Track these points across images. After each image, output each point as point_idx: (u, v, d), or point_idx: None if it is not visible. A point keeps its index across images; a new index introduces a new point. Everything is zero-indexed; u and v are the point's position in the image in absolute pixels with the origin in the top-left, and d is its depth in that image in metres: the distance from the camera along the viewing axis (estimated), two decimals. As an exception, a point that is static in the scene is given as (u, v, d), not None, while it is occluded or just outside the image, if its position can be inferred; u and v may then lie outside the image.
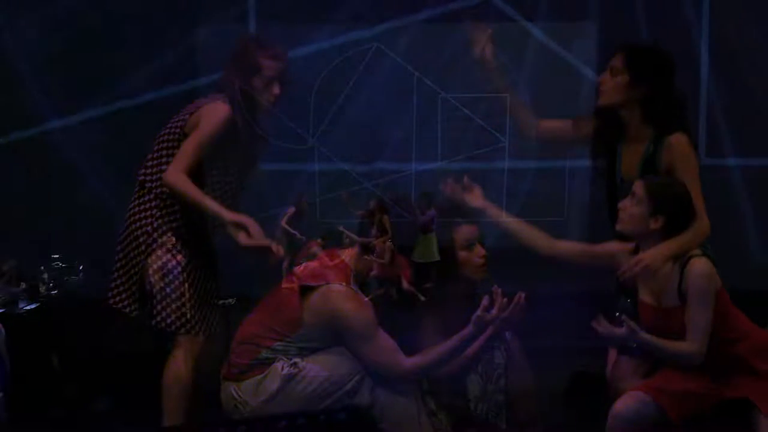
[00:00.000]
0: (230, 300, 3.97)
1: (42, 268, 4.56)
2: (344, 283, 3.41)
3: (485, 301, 3.25)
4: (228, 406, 3.47)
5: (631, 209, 3.24)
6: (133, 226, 3.68)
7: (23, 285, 4.48)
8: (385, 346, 3.36)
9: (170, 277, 3.63)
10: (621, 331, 3.06)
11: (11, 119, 5.50)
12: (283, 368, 3.37)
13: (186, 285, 3.65)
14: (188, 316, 3.62)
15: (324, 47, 5.04)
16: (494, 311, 3.24)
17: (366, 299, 3.42)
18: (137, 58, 5.32)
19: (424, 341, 3.46)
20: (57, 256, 4.66)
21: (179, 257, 3.65)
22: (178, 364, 3.67)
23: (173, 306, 3.61)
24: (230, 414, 3.45)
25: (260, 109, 3.64)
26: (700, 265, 3.18)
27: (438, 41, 4.97)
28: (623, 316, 3.06)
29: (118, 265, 3.71)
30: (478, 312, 3.25)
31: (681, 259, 3.21)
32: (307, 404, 3.33)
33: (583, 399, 4.03)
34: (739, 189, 5.31)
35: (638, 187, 3.24)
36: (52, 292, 4.51)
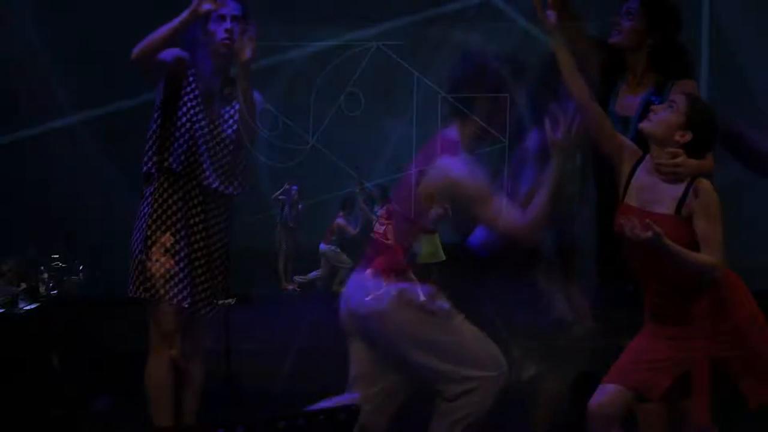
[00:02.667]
0: (230, 300, 3.98)
1: (42, 268, 4.56)
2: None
3: (547, 125, 3.28)
4: (356, 294, 3.50)
5: (664, 114, 3.21)
6: (138, 222, 3.74)
7: (23, 285, 4.49)
8: (500, 206, 3.36)
9: (165, 274, 3.67)
10: (647, 234, 3.02)
11: (11, 119, 5.50)
12: (426, 296, 3.38)
13: (180, 286, 3.69)
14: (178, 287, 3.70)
15: (324, 47, 5.03)
16: (562, 128, 3.28)
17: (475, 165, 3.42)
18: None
19: None
20: (57, 256, 4.66)
21: (176, 258, 3.68)
22: (153, 368, 3.74)
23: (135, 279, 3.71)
24: (356, 304, 3.48)
25: (217, 51, 3.70)
26: (709, 184, 3.19)
27: (438, 41, 4.96)
28: (651, 223, 3.02)
29: (133, 257, 3.76)
30: (550, 139, 3.29)
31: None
32: (411, 341, 3.37)
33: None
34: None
35: (680, 98, 3.22)
36: (52, 292, 4.51)
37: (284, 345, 6.13)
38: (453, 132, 3.51)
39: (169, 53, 3.68)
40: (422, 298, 3.37)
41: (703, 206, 3.16)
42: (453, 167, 3.40)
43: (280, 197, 9.23)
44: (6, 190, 5.37)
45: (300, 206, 9.04)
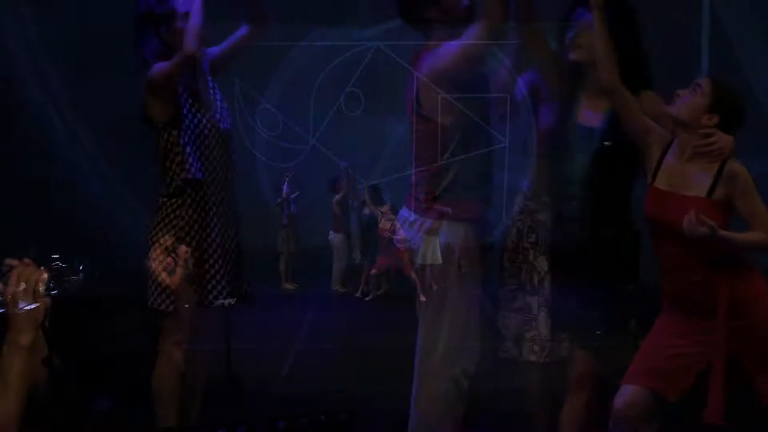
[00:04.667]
0: (230, 300, 3.98)
1: (42, 268, 4.55)
2: None
3: None
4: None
5: (689, 98, 3.21)
6: (164, 233, 3.76)
7: (23, 285, 4.47)
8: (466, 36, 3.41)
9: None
10: (703, 229, 3.04)
11: (11, 118, 5.50)
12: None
13: (219, 287, 3.73)
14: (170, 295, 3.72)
15: (324, 47, 5.03)
16: None
17: None
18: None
19: None
20: (57, 256, 4.65)
21: (174, 256, 3.70)
22: (164, 371, 3.73)
23: (163, 291, 3.71)
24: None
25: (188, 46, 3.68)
26: (739, 164, 3.20)
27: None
28: (705, 218, 3.04)
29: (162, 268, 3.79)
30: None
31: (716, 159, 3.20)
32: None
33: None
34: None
35: (705, 82, 3.23)
36: (52, 292, 4.50)
37: (284, 345, 6.13)
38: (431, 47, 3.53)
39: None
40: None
41: (741, 187, 3.17)
42: (434, 52, 3.46)
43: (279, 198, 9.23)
44: (6, 190, 5.36)
45: (293, 196, 9.03)
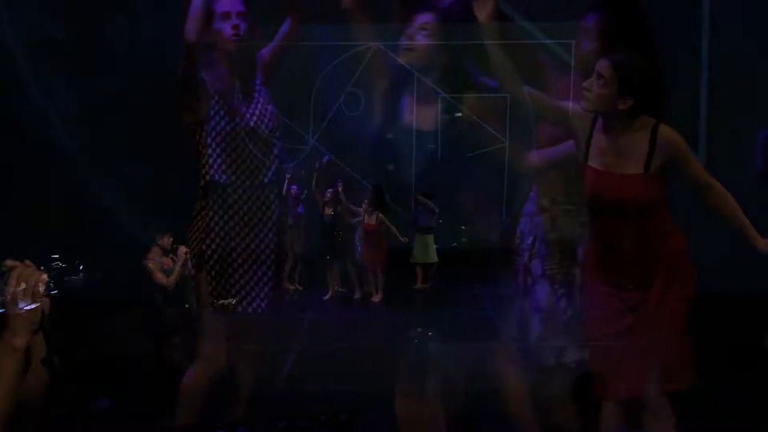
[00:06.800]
0: (231, 300, 3.98)
1: (42, 268, 4.55)
2: None
3: None
4: None
5: (598, 90, 3.12)
6: (202, 234, 3.78)
7: (23, 285, 4.48)
8: None
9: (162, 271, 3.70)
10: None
11: (11, 117, 5.51)
12: None
13: (260, 290, 3.80)
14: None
15: (324, 47, 5.03)
16: None
17: None
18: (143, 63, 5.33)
19: None
20: (57, 256, 4.66)
21: (171, 257, 3.72)
22: (200, 376, 3.77)
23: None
24: None
25: (227, 48, 3.67)
26: (669, 128, 3.15)
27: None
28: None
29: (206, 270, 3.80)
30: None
31: (646, 127, 3.13)
32: None
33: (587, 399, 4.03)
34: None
35: (604, 67, 3.12)
36: (52, 292, 4.50)
37: (284, 345, 6.14)
38: None
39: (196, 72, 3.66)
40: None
41: (679, 149, 3.14)
42: None
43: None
44: (6, 190, 5.37)
45: (300, 195, 9.03)
